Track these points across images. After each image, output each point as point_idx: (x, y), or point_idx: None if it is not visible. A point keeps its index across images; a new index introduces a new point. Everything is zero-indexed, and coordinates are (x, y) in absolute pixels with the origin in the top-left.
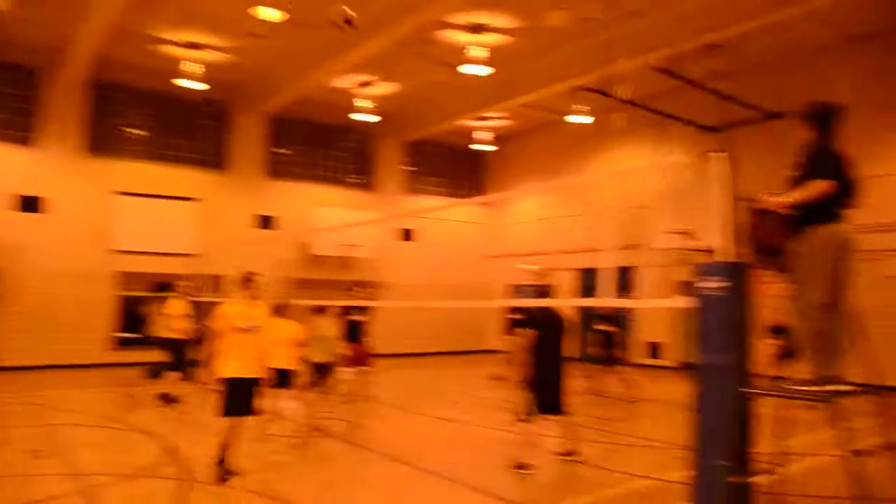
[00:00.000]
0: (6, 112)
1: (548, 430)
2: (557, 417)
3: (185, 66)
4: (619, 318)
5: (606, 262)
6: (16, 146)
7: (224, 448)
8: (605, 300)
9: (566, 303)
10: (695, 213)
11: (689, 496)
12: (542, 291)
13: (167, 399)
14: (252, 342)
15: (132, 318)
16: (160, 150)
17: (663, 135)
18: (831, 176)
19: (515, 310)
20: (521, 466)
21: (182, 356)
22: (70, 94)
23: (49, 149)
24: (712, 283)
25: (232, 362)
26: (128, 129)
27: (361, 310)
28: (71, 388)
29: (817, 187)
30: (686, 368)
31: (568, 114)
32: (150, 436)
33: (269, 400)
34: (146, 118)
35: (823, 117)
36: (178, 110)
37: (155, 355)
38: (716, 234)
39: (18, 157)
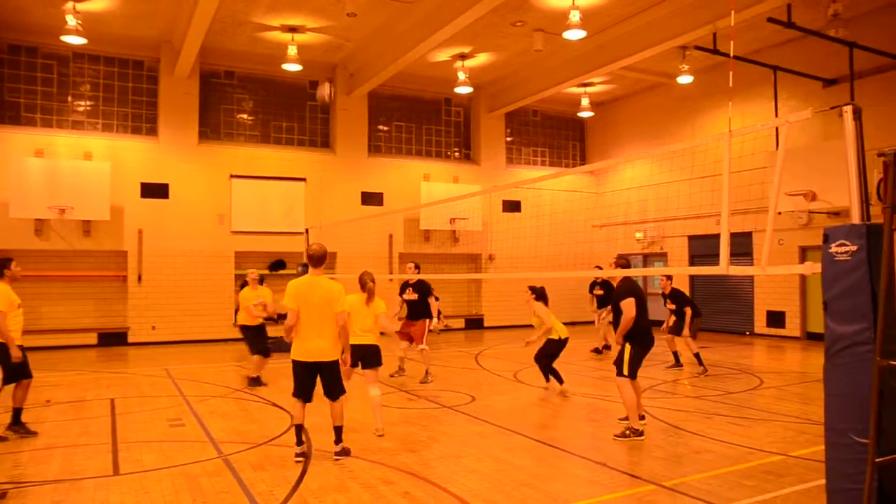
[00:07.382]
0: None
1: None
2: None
3: (290, 51)
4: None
5: (721, 228)
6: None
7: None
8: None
9: (678, 271)
10: (818, 172)
11: (826, 475)
12: (625, 263)
13: (254, 382)
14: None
15: None
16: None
17: (779, 90)
18: None
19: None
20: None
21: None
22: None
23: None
24: (843, 248)
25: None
26: (238, 115)
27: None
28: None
29: None
30: (812, 339)
31: (673, 74)
32: (276, 408)
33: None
34: (253, 103)
35: None
36: (284, 94)
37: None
38: (847, 194)
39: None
